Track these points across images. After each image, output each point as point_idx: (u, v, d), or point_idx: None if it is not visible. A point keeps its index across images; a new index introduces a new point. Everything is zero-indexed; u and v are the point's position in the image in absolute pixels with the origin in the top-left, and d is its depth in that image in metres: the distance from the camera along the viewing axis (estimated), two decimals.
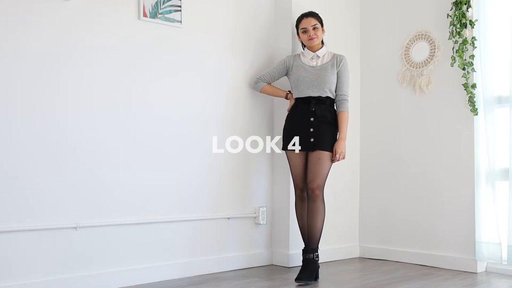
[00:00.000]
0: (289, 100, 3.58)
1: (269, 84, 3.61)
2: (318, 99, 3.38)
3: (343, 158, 3.37)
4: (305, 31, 3.44)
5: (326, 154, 3.34)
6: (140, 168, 3.18)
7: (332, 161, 3.36)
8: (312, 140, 3.35)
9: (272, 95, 3.69)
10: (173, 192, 3.32)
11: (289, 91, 3.57)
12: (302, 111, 3.41)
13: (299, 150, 3.40)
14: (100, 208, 3.01)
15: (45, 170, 2.80)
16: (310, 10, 3.50)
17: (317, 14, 3.48)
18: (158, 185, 3.25)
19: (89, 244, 2.96)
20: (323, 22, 3.50)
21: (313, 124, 3.36)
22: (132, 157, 3.15)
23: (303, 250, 3.40)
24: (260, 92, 3.63)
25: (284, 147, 3.49)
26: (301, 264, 3.57)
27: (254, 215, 3.75)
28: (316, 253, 3.32)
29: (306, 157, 3.42)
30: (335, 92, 3.43)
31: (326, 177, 3.37)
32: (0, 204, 2.66)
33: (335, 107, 3.45)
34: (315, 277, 3.30)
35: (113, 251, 3.05)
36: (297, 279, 3.22)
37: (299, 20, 3.49)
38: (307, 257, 3.32)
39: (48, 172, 2.82)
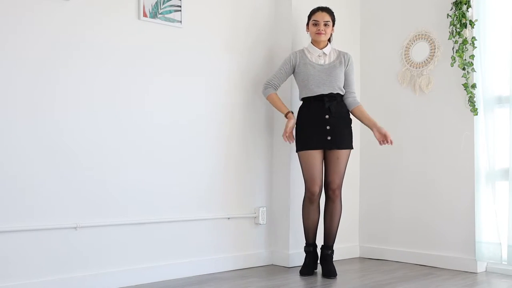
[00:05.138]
0: (287, 119, 3.44)
1: (276, 91, 3.52)
2: (330, 96, 3.38)
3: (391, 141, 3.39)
4: (315, 24, 3.43)
5: (344, 153, 3.39)
6: (140, 168, 3.18)
7: (381, 143, 3.40)
8: (329, 138, 3.34)
9: (274, 107, 3.55)
10: (173, 192, 3.32)
11: (291, 112, 3.46)
12: (315, 109, 3.38)
13: (316, 149, 3.38)
14: (100, 208, 3.01)
15: (45, 170, 2.80)
16: (326, 6, 3.50)
17: (332, 12, 3.48)
18: (157, 185, 3.25)
19: (89, 244, 2.95)
20: (335, 22, 3.51)
21: (329, 122, 3.35)
22: (132, 157, 3.15)
23: (322, 246, 3.50)
24: (266, 99, 3.58)
25: (300, 148, 3.41)
26: (301, 264, 3.60)
27: (254, 215, 3.75)
28: (333, 250, 3.49)
29: (322, 156, 3.41)
30: (344, 89, 3.45)
31: (344, 174, 3.45)
32: (0, 204, 2.66)
33: (345, 102, 3.47)
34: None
35: (113, 251, 3.05)
36: (330, 275, 3.35)
37: (313, 12, 3.47)
38: (328, 253, 3.45)
39: (48, 172, 2.81)
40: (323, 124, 3.35)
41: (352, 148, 3.46)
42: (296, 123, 3.47)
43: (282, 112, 3.50)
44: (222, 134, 3.58)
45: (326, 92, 3.38)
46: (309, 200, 3.44)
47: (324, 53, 3.46)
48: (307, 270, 3.44)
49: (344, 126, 3.42)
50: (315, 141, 3.36)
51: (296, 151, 3.46)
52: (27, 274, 2.73)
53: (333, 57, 3.47)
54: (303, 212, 3.50)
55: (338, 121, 3.38)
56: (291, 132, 3.43)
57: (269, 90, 3.52)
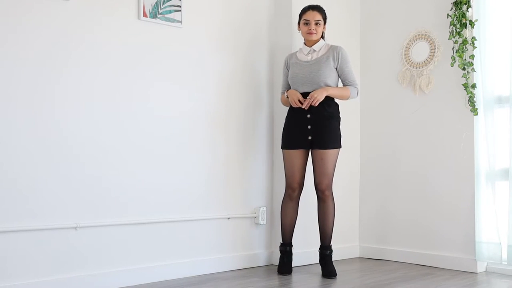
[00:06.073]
0: (289, 95, 3.44)
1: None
2: None
3: (315, 104, 3.26)
4: (306, 23, 3.40)
5: (328, 153, 3.33)
6: (140, 168, 3.18)
7: (303, 103, 3.29)
8: (310, 138, 3.34)
9: (286, 105, 3.56)
10: (172, 192, 3.32)
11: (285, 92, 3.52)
12: (298, 108, 3.36)
13: (297, 149, 3.39)
14: (100, 208, 3.01)
15: (45, 170, 2.80)
16: (317, 4, 3.47)
17: (323, 10, 3.44)
18: (157, 185, 3.25)
19: (89, 244, 2.95)
20: (327, 19, 3.48)
21: (310, 121, 3.33)
22: (132, 157, 3.15)
23: (320, 247, 3.48)
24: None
25: (282, 147, 3.47)
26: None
27: (254, 215, 3.75)
28: (331, 250, 3.46)
29: (304, 156, 3.42)
30: (343, 83, 3.43)
31: (333, 174, 3.39)
32: (0, 204, 2.66)
33: (335, 100, 3.40)
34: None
35: (113, 251, 3.05)
36: (330, 276, 3.36)
37: (304, 11, 3.44)
38: (327, 253, 3.44)
39: (48, 172, 2.81)
40: (304, 123, 3.34)
41: (339, 147, 3.39)
42: (285, 122, 3.49)
43: (285, 97, 3.48)
44: (222, 134, 3.58)
45: (309, 90, 3.33)
46: (289, 196, 3.45)
47: (314, 50, 3.43)
48: (285, 269, 3.45)
49: (328, 125, 3.34)
50: (296, 141, 3.37)
51: (281, 148, 3.50)
52: (27, 274, 2.73)
53: (322, 52, 3.41)
54: (281, 209, 3.50)
55: (321, 120, 3.32)
56: (300, 98, 3.33)
57: (281, 97, 3.60)
